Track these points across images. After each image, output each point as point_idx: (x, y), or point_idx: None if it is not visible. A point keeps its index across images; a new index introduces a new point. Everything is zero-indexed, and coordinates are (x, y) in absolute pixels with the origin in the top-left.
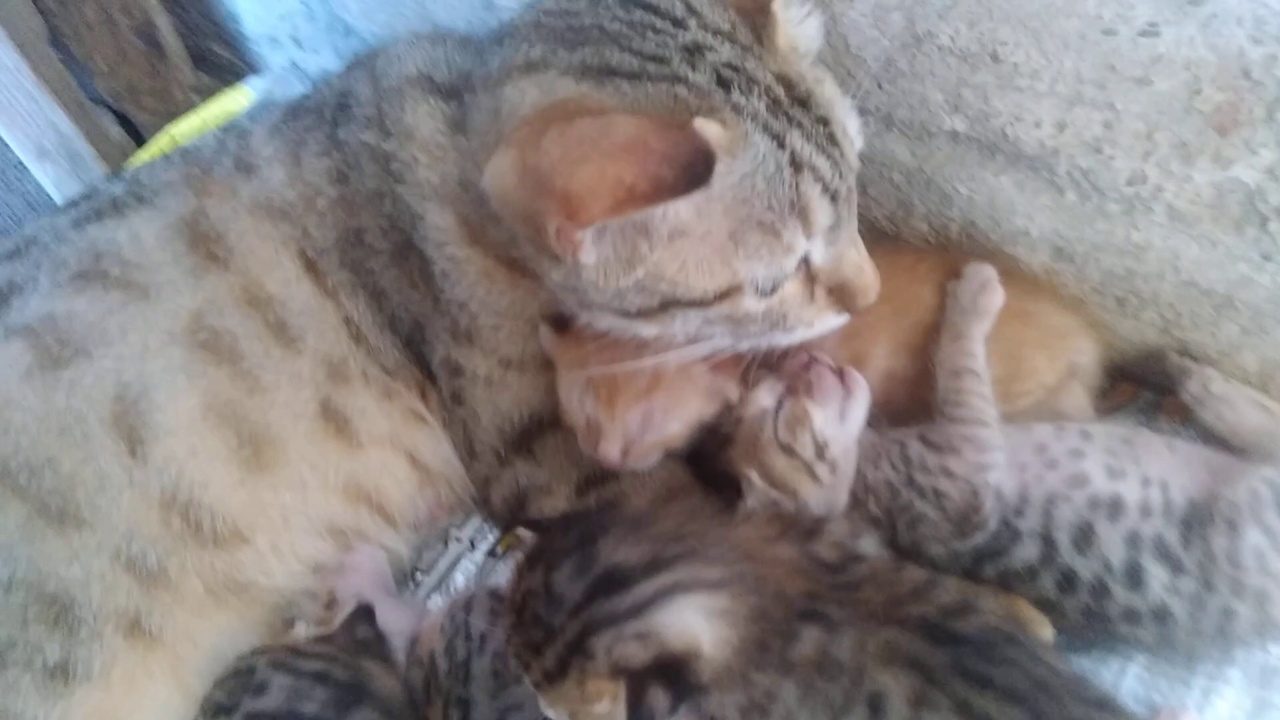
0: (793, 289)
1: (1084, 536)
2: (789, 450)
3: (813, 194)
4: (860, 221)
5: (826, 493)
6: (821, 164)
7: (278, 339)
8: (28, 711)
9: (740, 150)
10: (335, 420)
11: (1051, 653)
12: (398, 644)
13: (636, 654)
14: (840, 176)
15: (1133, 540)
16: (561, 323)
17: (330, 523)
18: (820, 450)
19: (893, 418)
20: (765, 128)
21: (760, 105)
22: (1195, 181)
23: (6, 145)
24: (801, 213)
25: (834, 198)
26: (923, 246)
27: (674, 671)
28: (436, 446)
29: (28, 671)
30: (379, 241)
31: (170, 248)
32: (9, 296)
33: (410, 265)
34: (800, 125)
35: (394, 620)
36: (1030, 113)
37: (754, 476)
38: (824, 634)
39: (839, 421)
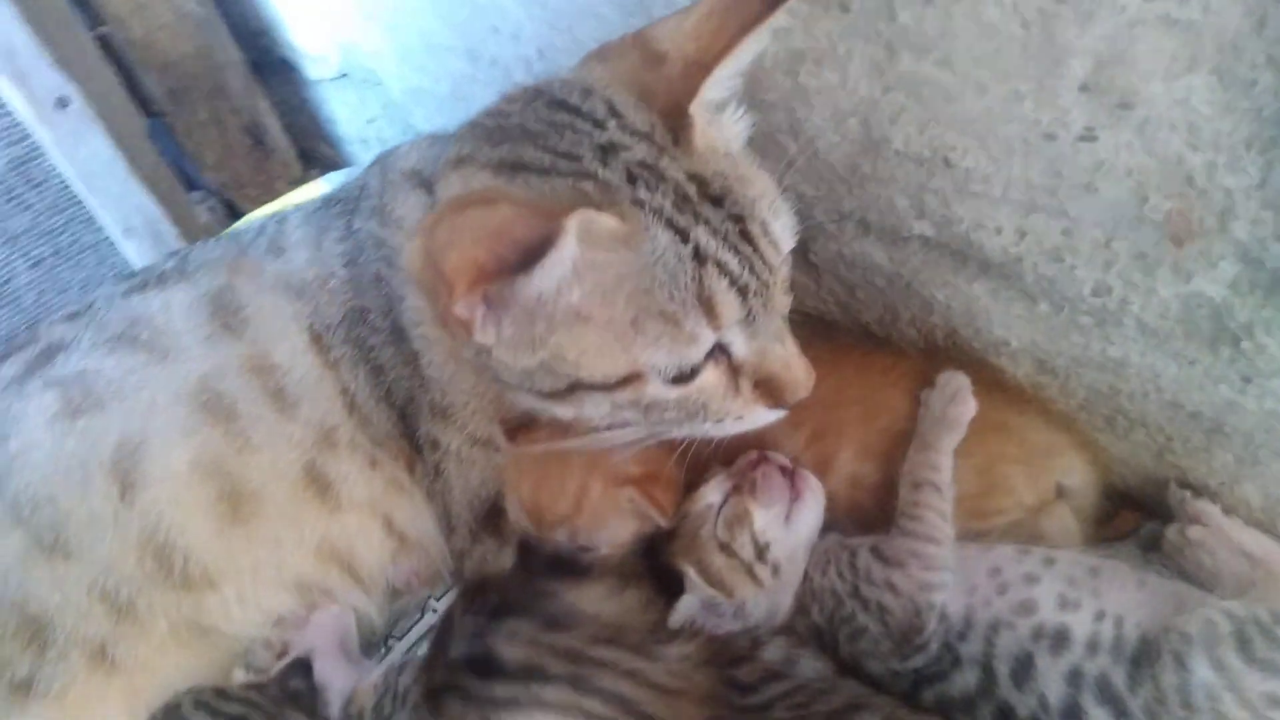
0: (712, 380)
1: (1023, 668)
2: (727, 549)
3: (718, 287)
4: (852, 324)
5: (767, 596)
6: (728, 259)
7: (274, 404)
8: None
9: (638, 242)
10: (317, 483)
11: None
12: (334, 700)
13: None
14: (751, 272)
15: (1074, 677)
16: (513, 432)
17: (299, 579)
18: (761, 552)
19: (860, 525)
20: (669, 223)
21: (666, 201)
22: (1160, 294)
23: (99, 224)
24: (706, 304)
25: (743, 292)
26: (904, 350)
27: None
28: (414, 516)
29: None
30: (379, 320)
31: (194, 318)
32: (56, 353)
33: (404, 343)
34: (707, 222)
35: (336, 677)
36: (990, 219)
37: (692, 573)
38: None
39: (783, 524)
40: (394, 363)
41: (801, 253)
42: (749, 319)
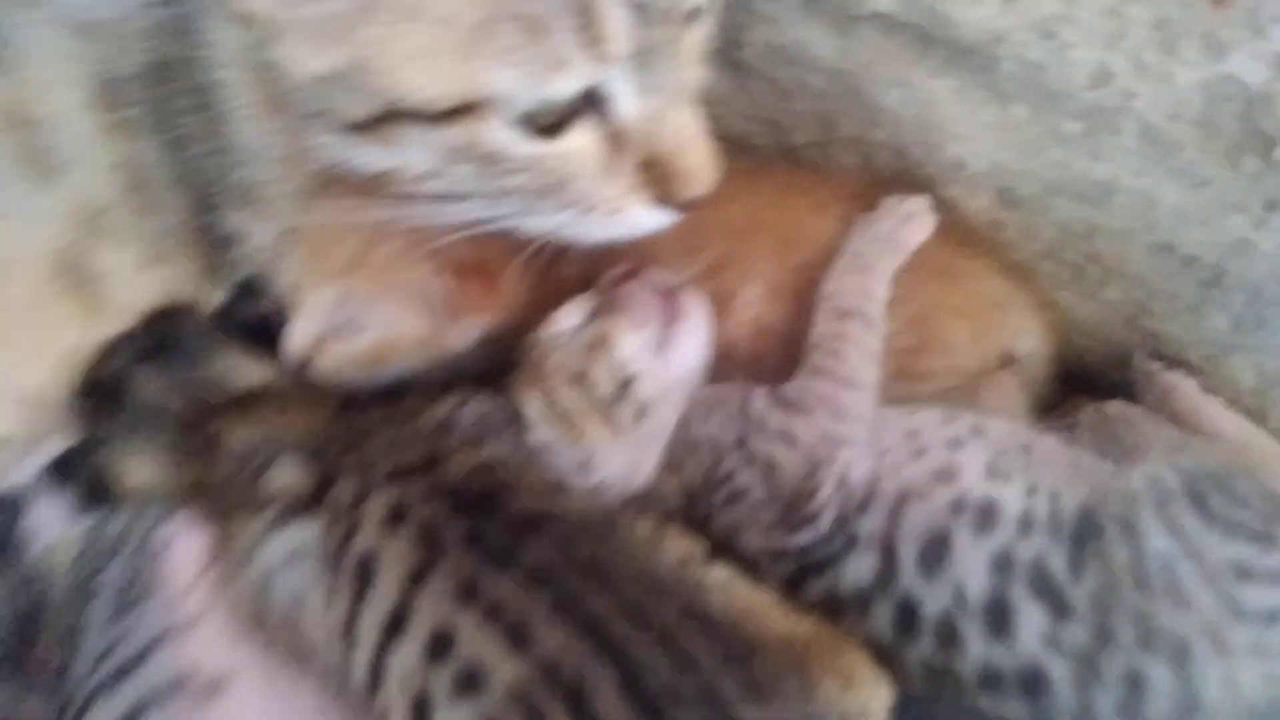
0: (582, 144)
1: (935, 550)
2: (581, 381)
3: None
4: (779, 148)
5: (626, 447)
6: None
7: (28, 167)
8: None
9: None
10: (74, 275)
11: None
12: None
13: None
14: None
15: (1002, 563)
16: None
17: (37, 394)
18: (623, 387)
19: (761, 383)
20: None
21: None
22: (1178, 82)
23: None
24: (586, 15)
25: (644, 14)
26: (839, 173)
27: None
28: None
29: None
30: (187, 77)
31: None
32: None
33: (212, 105)
34: None
35: (54, 522)
36: None
37: (533, 407)
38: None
39: (655, 354)
40: (198, 132)
41: (726, 53)
42: (645, 60)
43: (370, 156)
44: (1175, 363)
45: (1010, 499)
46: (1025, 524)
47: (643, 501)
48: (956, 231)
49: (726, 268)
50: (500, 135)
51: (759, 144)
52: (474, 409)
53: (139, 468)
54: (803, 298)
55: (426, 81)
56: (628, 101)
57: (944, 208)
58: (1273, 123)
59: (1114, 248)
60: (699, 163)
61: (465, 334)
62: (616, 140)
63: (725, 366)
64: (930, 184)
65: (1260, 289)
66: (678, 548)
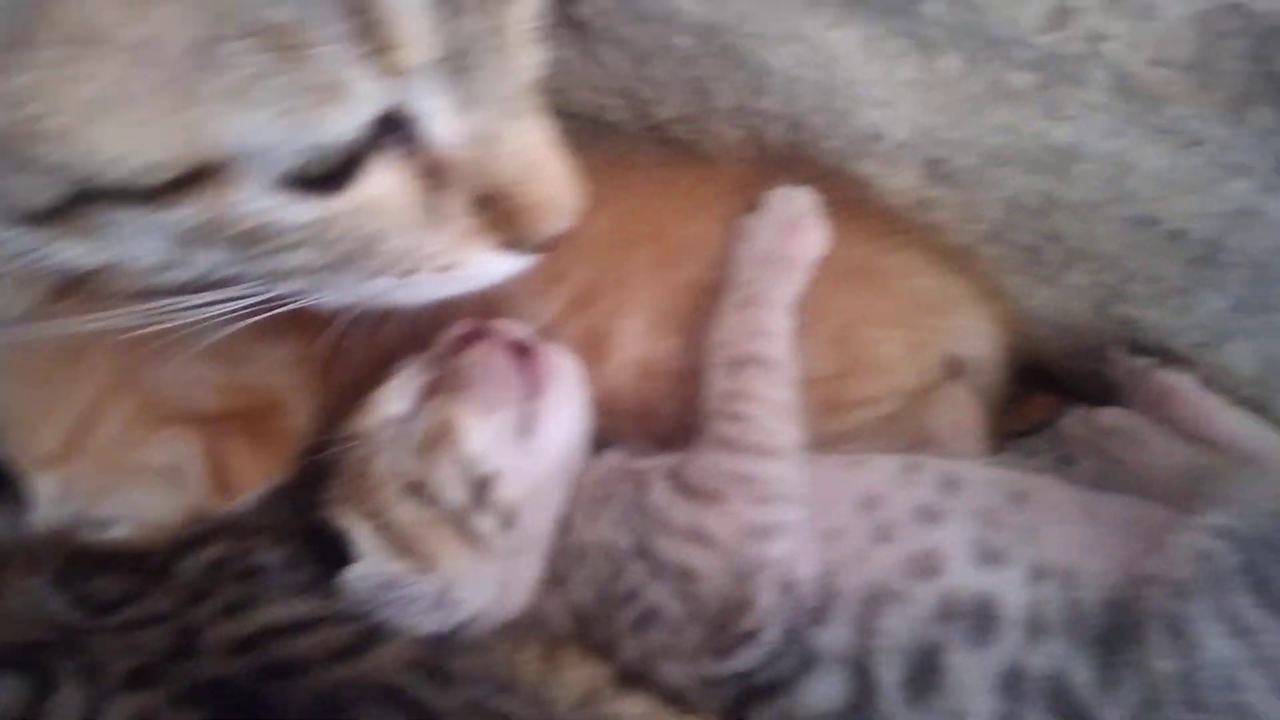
0: (386, 186)
1: (924, 671)
2: (421, 491)
3: None
4: (640, 127)
5: (495, 567)
6: None
7: None
8: None
9: None
10: None
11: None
12: None
13: None
14: None
15: (1010, 682)
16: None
17: None
18: (479, 491)
19: (658, 439)
20: None
21: None
22: (1162, 16)
23: None
24: (365, 18)
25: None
26: (722, 161)
27: None
28: None
29: None
30: None
31: None
32: None
33: None
34: None
35: None
36: None
37: (363, 532)
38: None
39: (516, 440)
40: None
41: (563, 9)
42: (460, 62)
43: (70, 252)
44: (1155, 352)
45: (1009, 591)
46: (1034, 625)
47: (522, 628)
48: (874, 218)
49: (596, 299)
50: (257, 204)
51: (615, 120)
52: (236, 565)
53: None
54: (694, 324)
55: (127, 146)
56: (443, 121)
57: (857, 188)
58: None
59: (1079, 224)
60: (554, 191)
61: (227, 502)
62: (435, 174)
63: (610, 423)
64: (839, 159)
65: (1268, 264)
66: (578, 679)
